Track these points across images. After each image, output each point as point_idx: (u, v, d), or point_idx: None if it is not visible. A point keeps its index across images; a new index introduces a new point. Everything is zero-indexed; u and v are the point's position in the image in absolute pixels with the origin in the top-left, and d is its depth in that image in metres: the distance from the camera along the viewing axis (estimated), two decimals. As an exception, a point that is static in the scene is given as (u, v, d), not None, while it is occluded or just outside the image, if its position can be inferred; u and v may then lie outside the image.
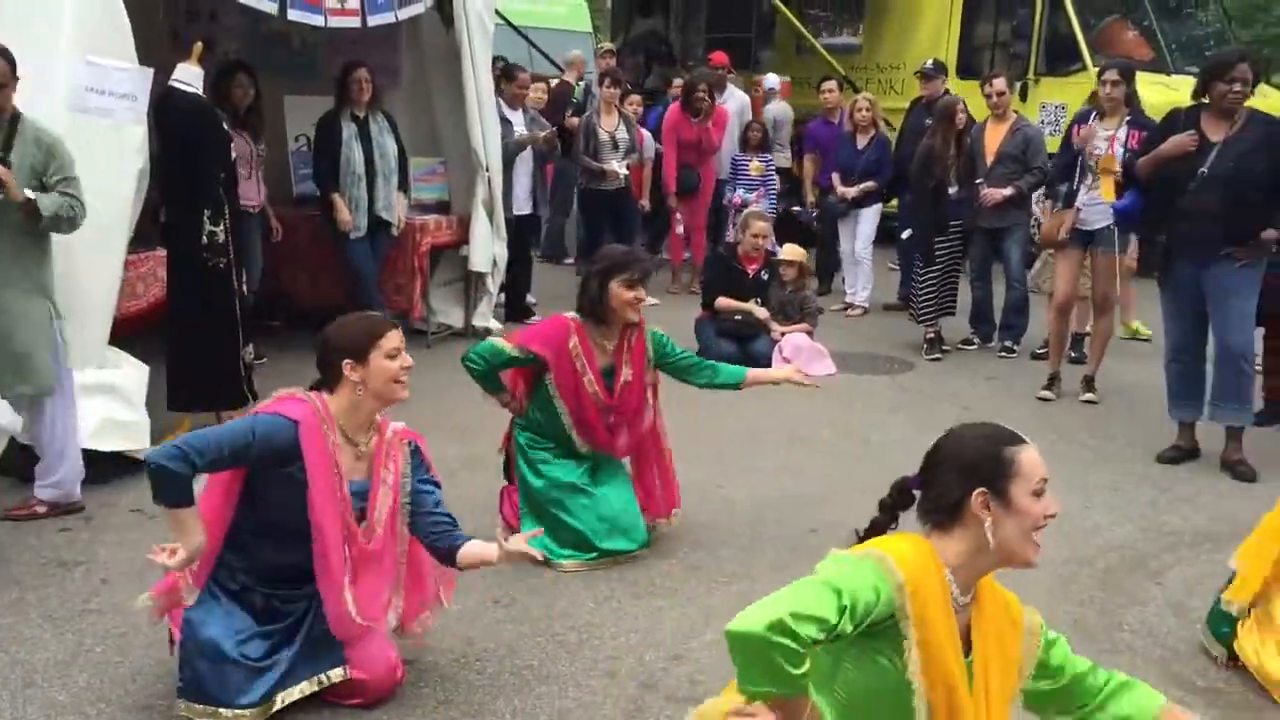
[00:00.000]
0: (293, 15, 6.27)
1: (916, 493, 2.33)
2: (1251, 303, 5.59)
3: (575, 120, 9.81)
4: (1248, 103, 5.51)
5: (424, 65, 7.99)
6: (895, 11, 12.58)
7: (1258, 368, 5.97)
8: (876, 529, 2.36)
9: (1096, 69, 6.85)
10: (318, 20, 6.42)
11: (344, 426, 3.29)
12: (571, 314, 4.46)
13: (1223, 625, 3.74)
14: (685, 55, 13.89)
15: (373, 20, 6.67)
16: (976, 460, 2.20)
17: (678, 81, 10.76)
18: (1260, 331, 6.07)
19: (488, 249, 7.86)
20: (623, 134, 9.28)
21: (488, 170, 7.71)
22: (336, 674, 3.33)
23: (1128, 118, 6.57)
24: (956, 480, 2.20)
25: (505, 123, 8.15)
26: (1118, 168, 6.30)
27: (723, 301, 7.69)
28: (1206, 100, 5.54)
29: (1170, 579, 4.45)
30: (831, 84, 10.14)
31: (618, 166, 9.13)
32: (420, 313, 7.75)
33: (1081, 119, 6.80)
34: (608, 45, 12.85)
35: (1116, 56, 10.32)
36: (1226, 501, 5.26)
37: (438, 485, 3.48)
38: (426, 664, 3.64)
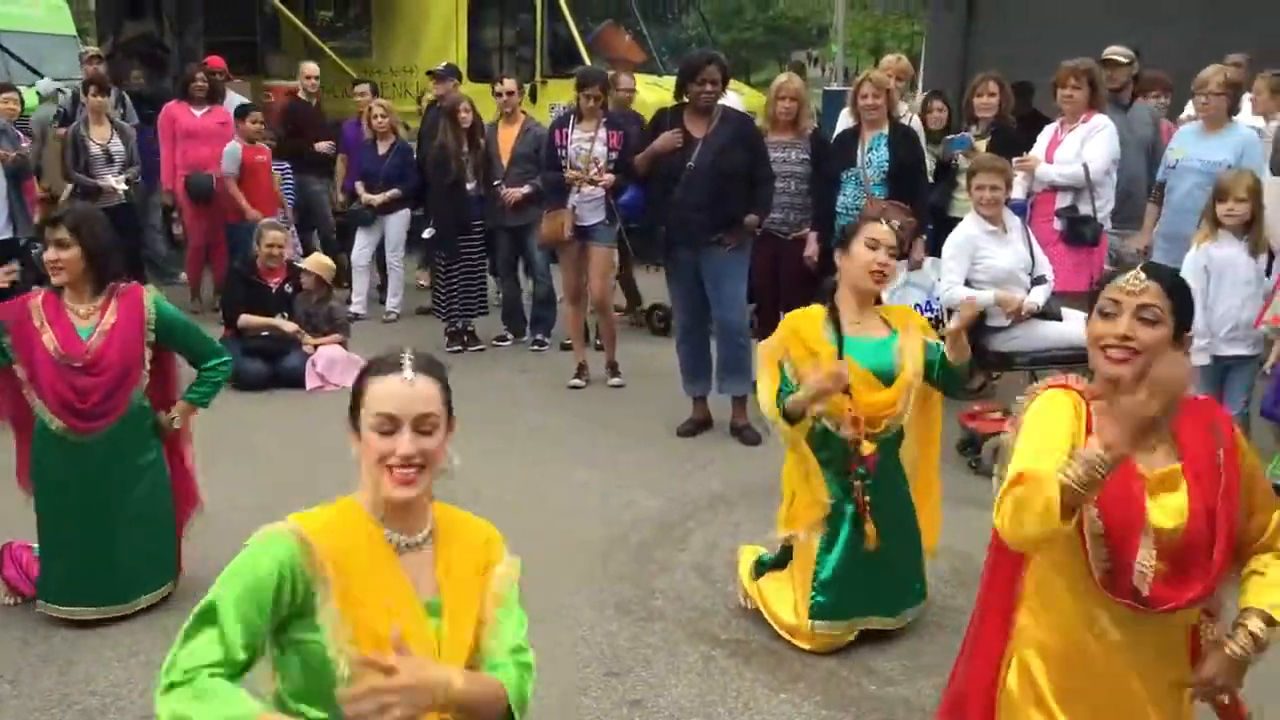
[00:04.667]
0: None
1: None
2: (742, 284, 6.18)
3: (63, 131, 8.91)
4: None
5: None
6: (402, 15, 12.58)
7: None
8: None
9: (576, 78, 7.22)
10: None
11: None
12: None
13: (761, 569, 4.15)
14: (185, 59, 13.06)
15: None
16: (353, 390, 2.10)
17: None
18: (752, 307, 6.71)
19: (-39, 280, 6.92)
20: (118, 146, 8.55)
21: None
22: None
23: (604, 119, 7.01)
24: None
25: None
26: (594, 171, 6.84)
27: (246, 319, 7.34)
28: (687, 100, 6.05)
29: (693, 543, 4.82)
30: (364, 87, 10.02)
31: (115, 182, 8.40)
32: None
33: (562, 122, 7.17)
34: (95, 50, 11.80)
35: (613, 59, 11.00)
36: (736, 465, 5.78)
37: None
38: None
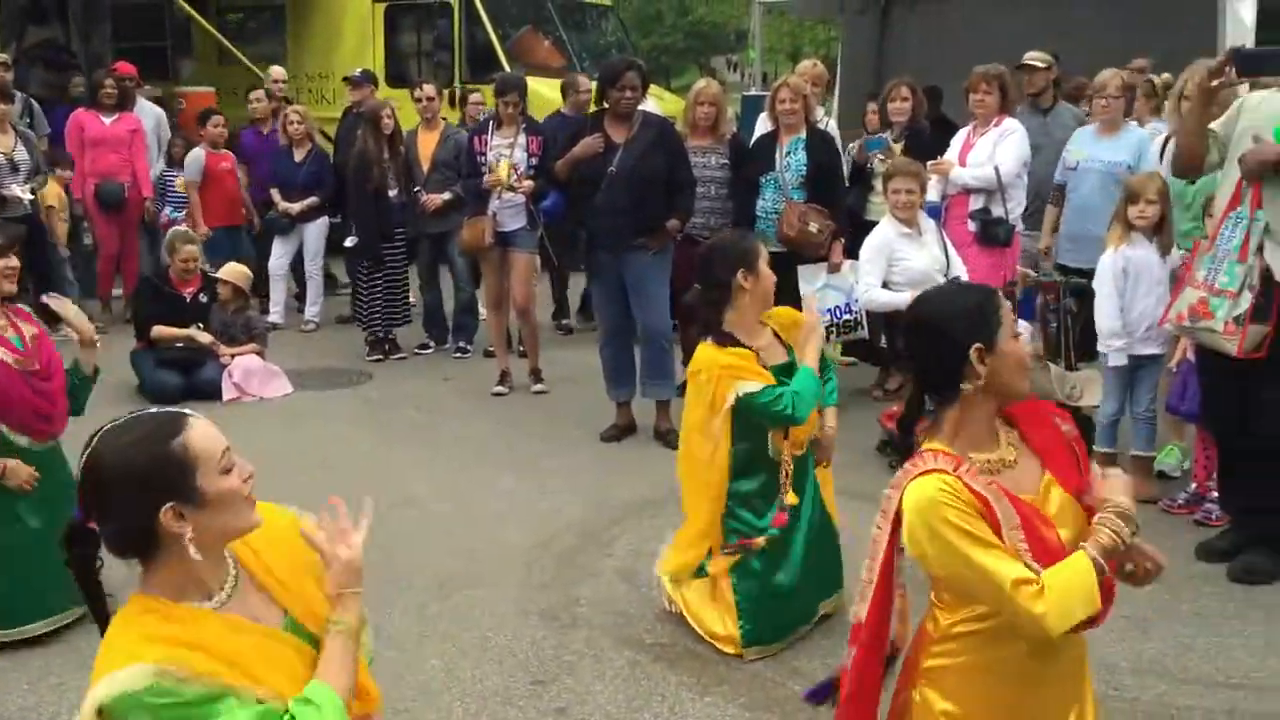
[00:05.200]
0: None
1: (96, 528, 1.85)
2: (664, 287, 6.18)
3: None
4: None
5: None
6: (318, 21, 12.43)
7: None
8: (95, 601, 1.91)
9: (494, 85, 7.19)
10: None
11: None
12: None
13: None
14: (92, 65, 12.76)
15: None
16: (148, 471, 1.79)
17: None
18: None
19: None
20: (22, 155, 8.29)
21: None
22: None
23: (524, 126, 6.98)
24: (140, 503, 1.79)
25: None
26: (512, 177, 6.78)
27: (159, 330, 7.18)
28: (607, 106, 6.07)
29: (619, 548, 4.81)
30: (259, 93, 9.82)
31: (20, 191, 8.15)
32: None
33: (481, 129, 7.12)
34: (3, 57, 11.46)
35: (532, 64, 10.98)
36: (661, 469, 5.73)
37: None
38: None
